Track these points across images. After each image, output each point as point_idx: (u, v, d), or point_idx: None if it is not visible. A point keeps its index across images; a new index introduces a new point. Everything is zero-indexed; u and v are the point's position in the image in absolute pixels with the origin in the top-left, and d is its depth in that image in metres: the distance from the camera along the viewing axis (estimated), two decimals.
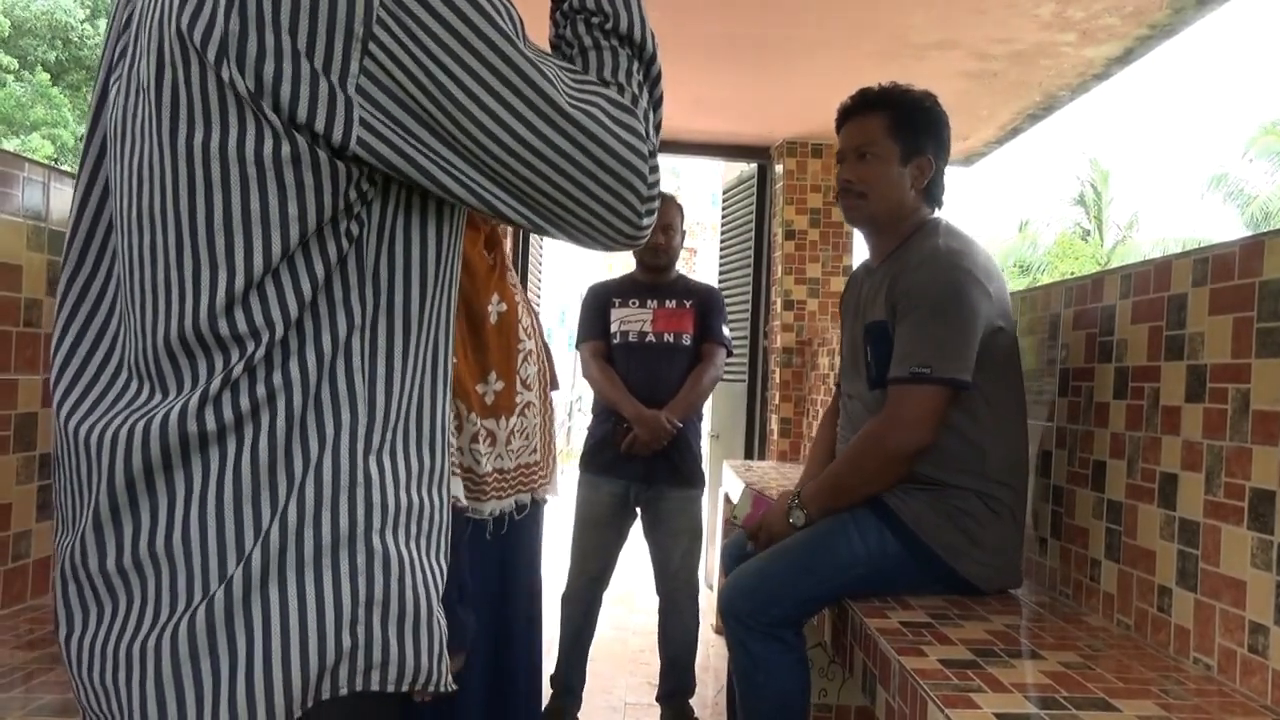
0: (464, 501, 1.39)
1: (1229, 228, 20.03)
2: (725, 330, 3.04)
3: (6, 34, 16.04)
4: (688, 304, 3.01)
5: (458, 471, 1.41)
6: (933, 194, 1.91)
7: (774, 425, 4.42)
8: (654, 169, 0.79)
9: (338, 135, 0.69)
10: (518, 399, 1.53)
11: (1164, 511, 1.52)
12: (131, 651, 0.72)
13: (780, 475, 3.45)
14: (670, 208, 2.99)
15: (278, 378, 0.72)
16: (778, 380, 4.35)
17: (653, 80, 0.83)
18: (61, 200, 1.63)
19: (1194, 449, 1.45)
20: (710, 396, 3.15)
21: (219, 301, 0.71)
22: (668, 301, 3.01)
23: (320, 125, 0.68)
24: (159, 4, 0.72)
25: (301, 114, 0.68)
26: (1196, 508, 1.43)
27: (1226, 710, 1.24)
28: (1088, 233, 21.25)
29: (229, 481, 0.72)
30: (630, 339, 2.99)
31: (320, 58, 0.67)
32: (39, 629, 1.44)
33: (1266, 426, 1.28)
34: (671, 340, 2.96)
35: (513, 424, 1.52)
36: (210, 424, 0.71)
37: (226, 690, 0.70)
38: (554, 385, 1.68)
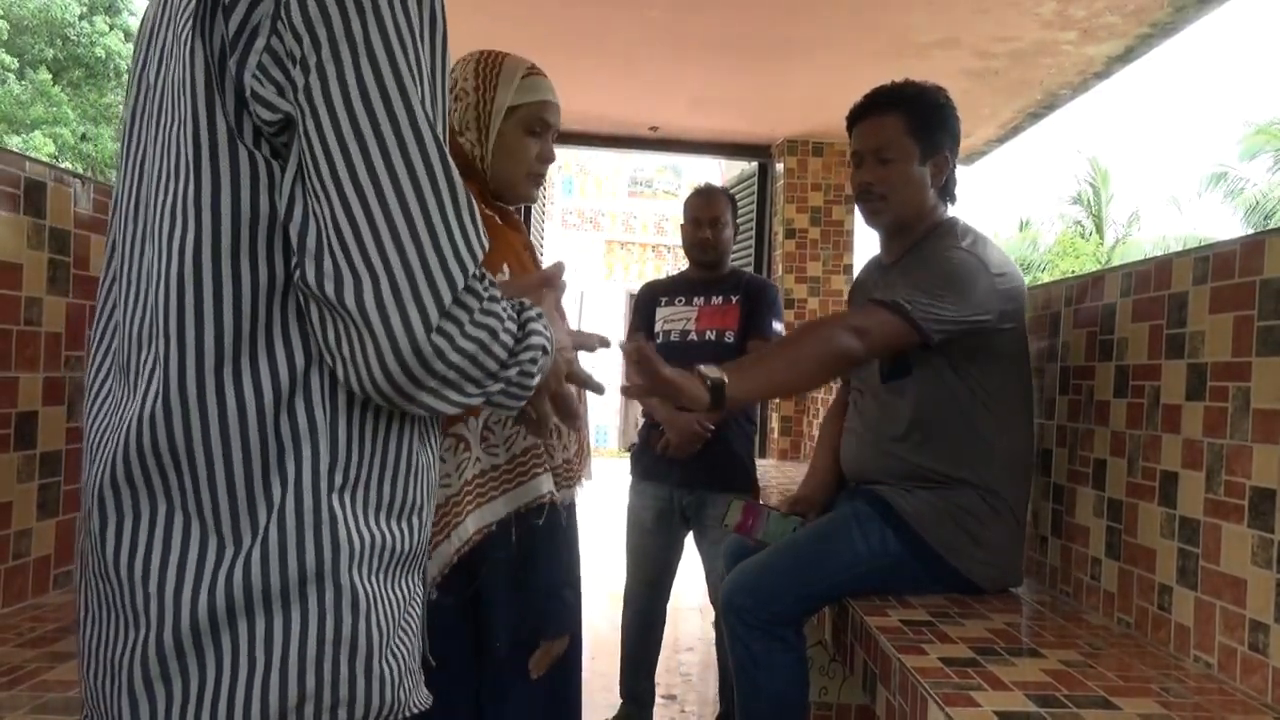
0: (557, 494, 1.40)
1: (1229, 226, 20.03)
2: (777, 326, 2.84)
3: (5, 36, 16.03)
4: (734, 299, 2.85)
5: (542, 469, 1.41)
6: (948, 189, 1.90)
7: (774, 424, 4.42)
8: (467, 323, 0.72)
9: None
10: None
11: (1164, 510, 1.52)
12: (113, 660, 0.74)
13: (781, 474, 3.46)
14: (719, 200, 2.90)
15: None
16: None
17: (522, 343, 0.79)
18: (61, 200, 1.63)
19: (1194, 447, 1.45)
20: None
21: None
22: (715, 298, 2.88)
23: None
24: None
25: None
26: (1197, 506, 1.43)
27: (1227, 708, 1.24)
28: (1088, 231, 21.24)
29: (193, 511, 0.73)
30: (672, 338, 2.88)
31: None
32: (40, 627, 1.44)
33: (1267, 425, 1.28)
34: (713, 338, 2.83)
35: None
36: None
37: (193, 710, 0.72)
38: None
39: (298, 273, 0.71)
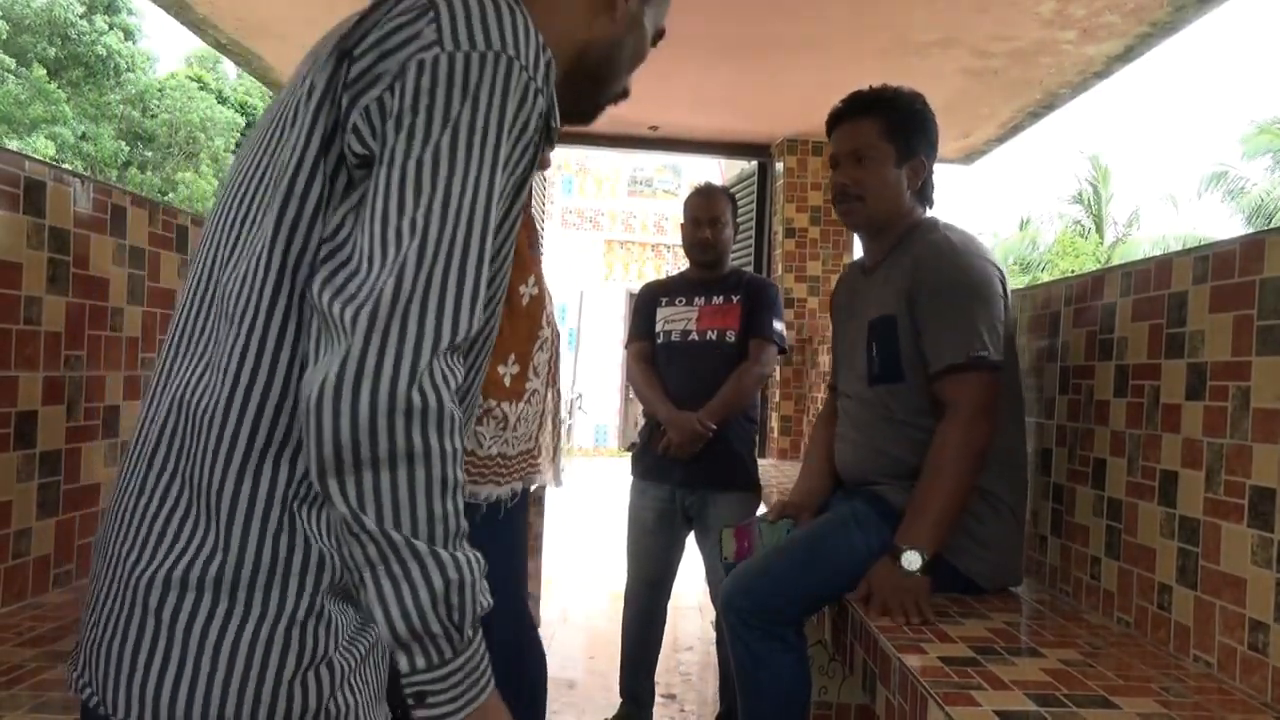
0: (481, 491, 1.40)
1: (1229, 226, 20.02)
2: (777, 325, 2.83)
3: (3, 36, 16.03)
4: (735, 299, 2.84)
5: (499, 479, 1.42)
6: (925, 194, 1.93)
7: (774, 423, 4.42)
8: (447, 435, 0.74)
9: None
10: (527, 385, 1.52)
11: (1164, 509, 1.52)
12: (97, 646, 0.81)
13: (780, 473, 3.46)
14: (719, 199, 2.89)
15: None
16: (778, 378, 4.34)
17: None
18: (61, 199, 1.63)
19: (1194, 447, 1.45)
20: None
21: None
22: (715, 297, 2.87)
23: None
24: None
25: None
26: (1197, 506, 1.43)
27: (1227, 708, 1.24)
28: (1088, 230, 21.23)
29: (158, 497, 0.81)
30: (673, 338, 2.87)
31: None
32: (40, 627, 1.44)
33: (1267, 424, 1.28)
34: (714, 338, 2.82)
35: (520, 409, 1.51)
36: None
37: (169, 691, 0.77)
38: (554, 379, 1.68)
39: (313, 282, 0.76)
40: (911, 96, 1.90)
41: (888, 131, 1.85)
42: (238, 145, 17.76)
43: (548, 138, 0.92)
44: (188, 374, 0.82)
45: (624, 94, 1.11)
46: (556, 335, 1.66)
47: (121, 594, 0.79)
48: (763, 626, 1.76)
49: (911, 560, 1.63)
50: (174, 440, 0.81)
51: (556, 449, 1.68)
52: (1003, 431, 1.78)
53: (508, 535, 1.56)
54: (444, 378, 0.74)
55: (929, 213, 1.94)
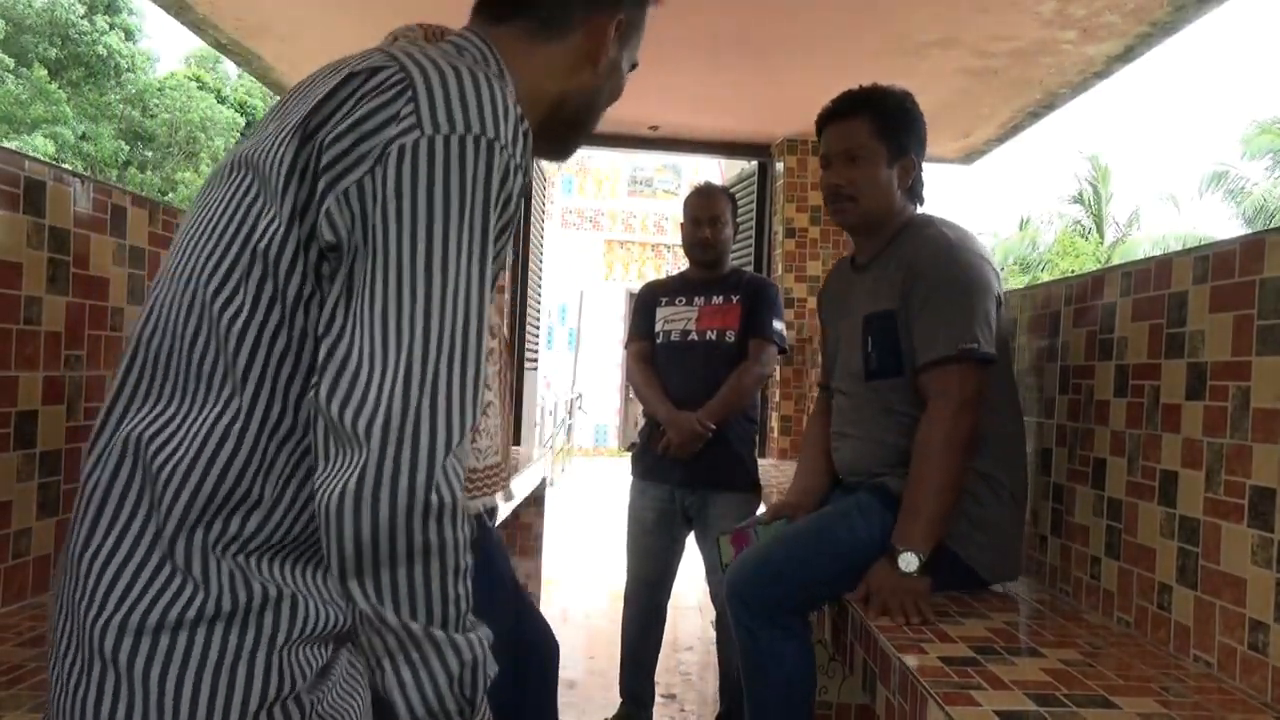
0: (471, 505, 1.39)
1: (1230, 226, 20.01)
2: (777, 325, 2.83)
3: (2, 35, 16.03)
4: (735, 299, 2.84)
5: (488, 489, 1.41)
6: (915, 192, 1.94)
7: (774, 423, 4.42)
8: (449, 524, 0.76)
9: None
10: (484, 397, 1.52)
11: (1164, 509, 1.52)
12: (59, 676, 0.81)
13: (780, 473, 3.46)
14: (719, 199, 2.90)
15: None
16: (778, 378, 4.34)
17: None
18: (61, 199, 1.63)
19: (1194, 447, 1.45)
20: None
21: None
22: (715, 297, 2.87)
23: None
24: None
25: None
26: (1197, 505, 1.43)
27: (1227, 708, 1.24)
28: (1088, 230, 21.22)
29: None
30: (672, 338, 2.87)
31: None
32: (40, 626, 1.44)
33: (1267, 424, 1.28)
34: (714, 338, 2.82)
35: (482, 423, 1.50)
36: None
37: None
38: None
39: (319, 387, 0.76)
40: (901, 95, 1.91)
41: (879, 131, 1.86)
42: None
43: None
44: (146, 424, 0.81)
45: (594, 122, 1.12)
46: (504, 346, 1.65)
47: (81, 645, 0.78)
48: (767, 614, 1.77)
49: (909, 561, 1.64)
50: (128, 488, 0.80)
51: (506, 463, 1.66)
52: (1001, 420, 1.80)
53: (487, 549, 1.55)
54: (455, 472, 0.76)
55: (919, 210, 1.95)
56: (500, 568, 1.58)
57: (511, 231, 0.86)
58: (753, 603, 1.77)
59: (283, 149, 0.81)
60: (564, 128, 1.03)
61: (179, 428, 0.80)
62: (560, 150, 1.09)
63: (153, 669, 0.76)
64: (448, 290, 0.76)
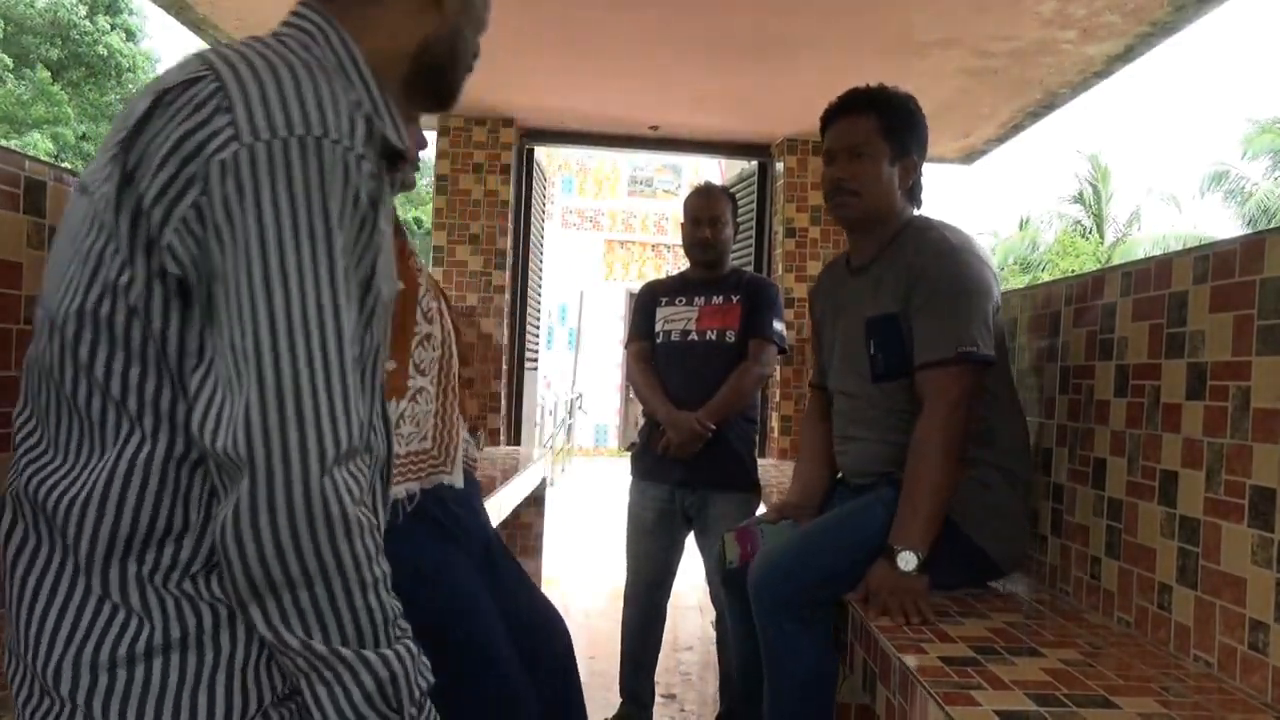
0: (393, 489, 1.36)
1: (1230, 226, 20.00)
2: (777, 325, 2.82)
3: (3, 36, 16.04)
4: (735, 299, 2.83)
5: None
6: (915, 194, 1.96)
7: (774, 423, 4.42)
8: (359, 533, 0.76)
9: None
10: (410, 383, 1.49)
11: (1164, 509, 1.52)
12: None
13: (780, 473, 3.46)
14: (719, 199, 2.89)
15: None
16: (778, 378, 4.34)
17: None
18: (61, 199, 1.62)
19: (1194, 446, 1.45)
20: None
21: None
22: (715, 297, 2.86)
23: None
24: None
25: None
26: (1197, 505, 1.43)
27: (1227, 708, 1.24)
28: (1088, 230, 21.22)
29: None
30: (673, 338, 2.86)
31: None
32: None
33: (1267, 424, 1.28)
34: (714, 338, 2.81)
35: (403, 408, 1.48)
36: None
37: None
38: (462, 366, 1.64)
39: (191, 418, 0.75)
40: (905, 97, 1.94)
41: (883, 129, 1.88)
42: None
43: (392, 184, 0.90)
44: (44, 475, 0.80)
45: (475, 57, 1.05)
46: (449, 334, 1.60)
47: (38, 692, 0.78)
48: (793, 609, 1.77)
49: (908, 561, 1.65)
50: (39, 537, 0.79)
51: (456, 447, 1.63)
52: (1006, 410, 1.85)
53: (402, 542, 1.51)
54: (346, 484, 0.75)
55: (918, 212, 1.97)
56: (432, 555, 1.51)
57: (375, 223, 0.82)
58: (780, 598, 1.78)
59: (108, 184, 0.78)
60: (435, 75, 0.98)
61: (79, 475, 0.78)
62: (440, 99, 1.02)
63: (112, 703, 0.75)
64: (293, 305, 0.73)
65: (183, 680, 0.76)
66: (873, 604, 1.66)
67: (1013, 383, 1.92)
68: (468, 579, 1.50)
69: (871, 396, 1.89)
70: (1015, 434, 1.87)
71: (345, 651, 0.75)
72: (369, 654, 0.76)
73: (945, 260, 1.79)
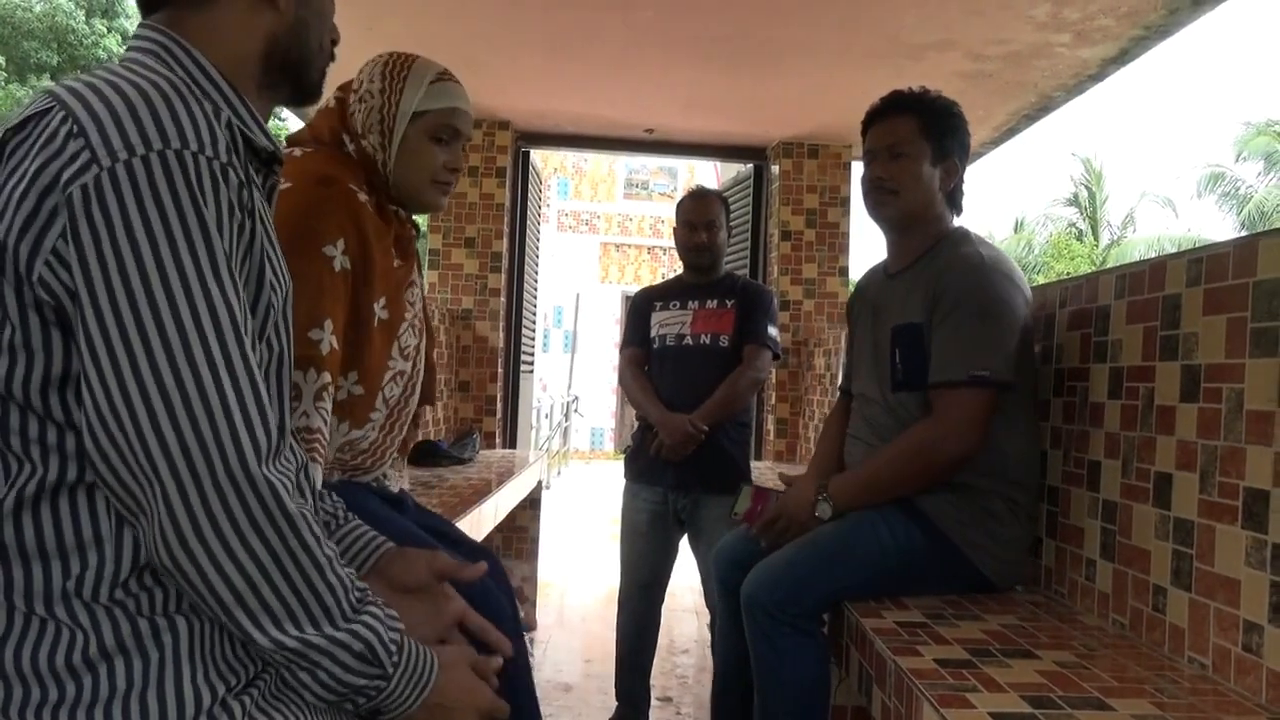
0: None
1: (1224, 228, 20.06)
2: (771, 330, 2.83)
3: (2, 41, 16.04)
4: (729, 303, 2.85)
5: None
6: (955, 199, 1.95)
7: (770, 425, 4.42)
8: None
9: None
10: (373, 415, 1.43)
11: (1159, 511, 1.53)
12: None
13: (775, 476, 3.45)
14: (712, 202, 2.90)
15: None
16: (773, 381, 4.35)
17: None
18: None
19: (1188, 449, 1.45)
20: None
21: None
22: (709, 302, 2.87)
23: None
24: None
25: None
26: (1191, 507, 1.44)
27: (1221, 709, 1.24)
28: (1082, 233, 21.26)
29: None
30: (667, 342, 2.87)
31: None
32: None
33: (1260, 426, 1.29)
34: (708, 342, 2.82)
35: (356, 436, 1.43)
36: None
37: None
38: (428, 400, 1.58)
39: (86, 445, 0.74)
40: (948, 101, 1.93)
41: (924, 130, 1.87)
42: None
43: (269, 187, 0.90)
44: None
45: (335, 43, 1.04)
46: (418, 374, 1.53)
47: None
48: (788, 621, 1.77)
49: (824, 511, 1.81)
50: None
51: (388, 465, 1.54)
52: (1021, 436, 1.82)
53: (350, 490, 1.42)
54: (276, 483, 0.75)
55: (958, 221, 1.95)
56: (371, 505, 1.44)
57: (254, 226, 0.81)
58: (774, 608, 1.77)
59: None
60: (291, 70, 0.97)
61: None
62: (303, 92, 1.01)
63: (61, 712, 0.74)
64: (183, 316, 0.73)
65: (130, 685, 0.76)
66: (778, 525, 1.86)
67: (1032, 403, 1.88)
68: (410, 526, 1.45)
69: (889, 404, 1.89)
70: (1027, 462, 1.84)
71: (315, 638, 0.78)
72: (339, 634, 0.79)
73: (972, 277, 1.78)
